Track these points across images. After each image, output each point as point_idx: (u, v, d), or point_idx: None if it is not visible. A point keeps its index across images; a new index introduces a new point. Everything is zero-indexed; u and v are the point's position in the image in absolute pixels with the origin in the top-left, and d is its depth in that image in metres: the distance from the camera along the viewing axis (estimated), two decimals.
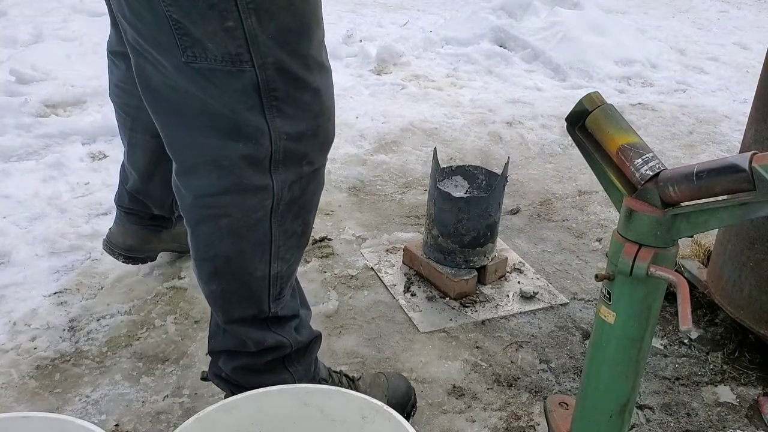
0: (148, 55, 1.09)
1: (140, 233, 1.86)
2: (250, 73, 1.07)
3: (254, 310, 1.27)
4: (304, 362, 1.39)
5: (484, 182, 2.05)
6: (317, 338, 1.42)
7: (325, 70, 1.17)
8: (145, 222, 1.86)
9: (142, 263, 1.93)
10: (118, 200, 1.87)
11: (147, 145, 1.72)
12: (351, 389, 1.37)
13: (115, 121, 1.78)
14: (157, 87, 1.12)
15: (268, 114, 1.11)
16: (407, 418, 1.53)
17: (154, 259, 1.96)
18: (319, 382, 1.42)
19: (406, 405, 1.51)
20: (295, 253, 1.28)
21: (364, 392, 1.39)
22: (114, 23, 1.60)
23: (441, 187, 1.93)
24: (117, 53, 1.65)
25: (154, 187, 1.79)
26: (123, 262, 1.89)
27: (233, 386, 1.36)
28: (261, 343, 1.30)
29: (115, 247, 1.86)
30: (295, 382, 1.32)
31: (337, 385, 1.47)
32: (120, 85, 1.69)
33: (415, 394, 1.54)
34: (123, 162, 1.82)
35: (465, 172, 2.07)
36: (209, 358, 1.39)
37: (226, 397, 1.39)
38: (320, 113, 1.17)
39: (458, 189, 2.04)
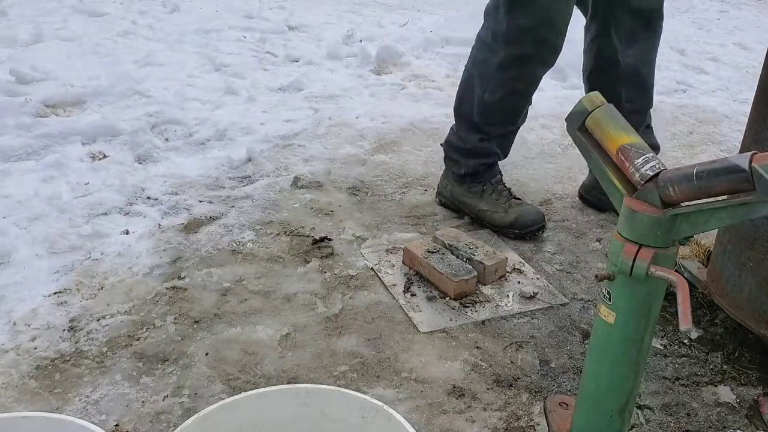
0: None
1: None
2: None
3: (510, 127, 2.26)
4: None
5: None
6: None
7: None
8: None
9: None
10: None
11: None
12: (510, 200, 2.24)
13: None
14: None
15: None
16: (534, 235, 2.22)
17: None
18: (496, 183, 2.27)
19: (533, 225, 2.21)
20: None
21: (517, 205, 2.24)
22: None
23: None
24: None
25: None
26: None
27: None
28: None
29: (584, 190, 2.51)
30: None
31: (499, 194, 2.23)
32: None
33: (544, 218, 2.24)
34: None
35: None
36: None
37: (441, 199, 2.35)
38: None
39: None
